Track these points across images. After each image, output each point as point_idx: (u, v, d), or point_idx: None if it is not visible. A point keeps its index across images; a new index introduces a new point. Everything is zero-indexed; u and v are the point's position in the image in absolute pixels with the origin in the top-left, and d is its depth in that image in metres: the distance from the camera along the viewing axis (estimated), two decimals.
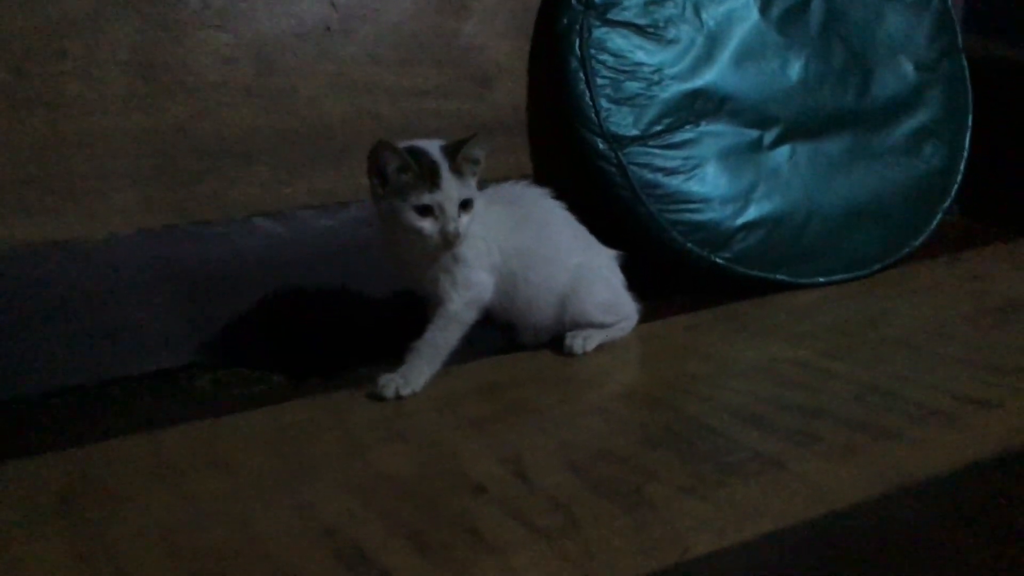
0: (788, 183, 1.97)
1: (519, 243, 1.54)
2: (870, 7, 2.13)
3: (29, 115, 1.53)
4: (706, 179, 1.90)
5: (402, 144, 1.43)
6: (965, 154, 2.16)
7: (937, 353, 1.52)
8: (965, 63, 2.21)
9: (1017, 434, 1.21)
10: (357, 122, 1.76)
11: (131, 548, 1.05)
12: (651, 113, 1.87)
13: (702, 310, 1.80)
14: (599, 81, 1.84)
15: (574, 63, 1.84)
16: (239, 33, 1.66)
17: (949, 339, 1.57)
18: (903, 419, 1.27)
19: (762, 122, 1.98)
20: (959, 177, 2.15)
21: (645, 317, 1.69)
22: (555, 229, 1.58)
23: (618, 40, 1.87)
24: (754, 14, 2.00)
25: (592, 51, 1.84)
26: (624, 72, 1.86)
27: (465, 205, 1.43)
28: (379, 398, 1.44)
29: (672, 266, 1.90)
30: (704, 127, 1.92)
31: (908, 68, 2.15)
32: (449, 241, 1.41)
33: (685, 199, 1.87)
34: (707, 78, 1.94)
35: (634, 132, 1.86)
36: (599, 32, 1.85)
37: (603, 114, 1.83)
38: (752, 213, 1.92)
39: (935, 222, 2.08)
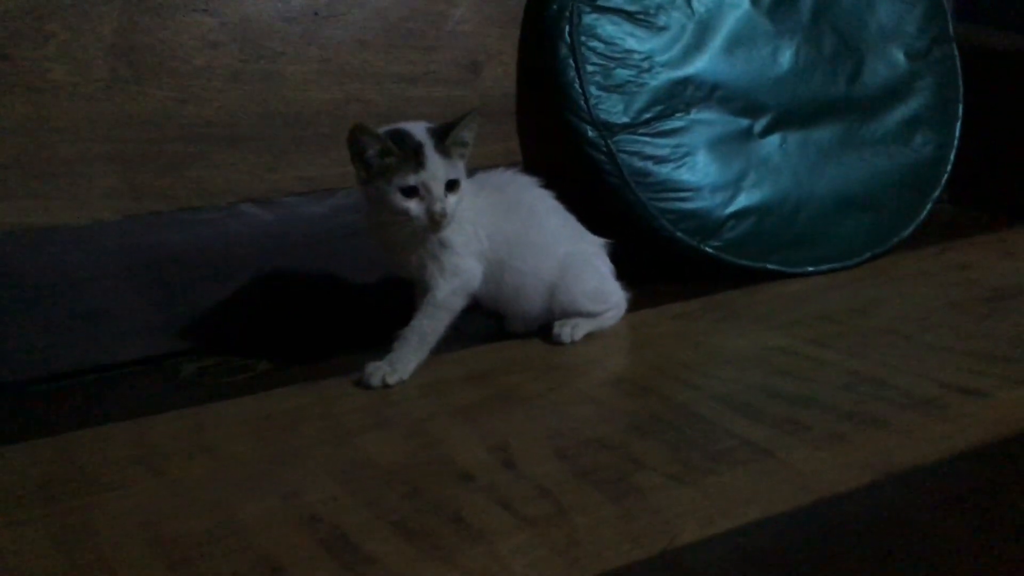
0: (778, 172, 1.97)
1: (507, 231, 1.53)
2: None
3: (12, 99, 1.52)
4: (696, 167, 1.89)
5: (388, 127, 1.42)
6: (956, 143, 2.16)
7: (926, 342, 1.51)
8: (956, 52, 2.21)
9: (1005, 422, 1.21)
10: (345, 107, 1.74)
11: (113, 535, 1.04)
12: (641, 100, 1.87)
13: (691, 299, 1.79)
14: (589, 68, 1.83)
15: (564, 50, 1.83)
16: (225, 17, 1.65)
17: (938, 328, 1.57)
18: (891, 407, 1.27)
19: (752, 110, 1.98)
20: (949, 166, 2.14)
21: (634, 306, 1.68)
22: (544, 217, 1.57)
23: (608, 27, 1.85)
24: (745, 2, 1.99)
25: (582, 38, 1.83)
26: (614, 59, 1.85)
27: (452, 186, 1.42)
28: (366, 386, 1.43)
29: (661, 254, 1.90)
30: (694, 115, 1.91)
31: (899, 57, 2.15)
32: (436, 221, 1.40)
33: (675, 187, 1.86)
34: (697, 66, 1.93)
35: (624, 120, 1.85)
36: (589, 18, 1.84)
37: (593, 101, 1.82)
38: (742, 201, 1.92)
39: (925, 211, 2.08)
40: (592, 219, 1.64)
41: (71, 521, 1.08)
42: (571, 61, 1.82)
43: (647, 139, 1.86)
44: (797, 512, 1.02)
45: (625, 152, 1.83)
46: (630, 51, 1.87)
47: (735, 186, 1.92)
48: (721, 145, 1.93)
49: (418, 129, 1.42)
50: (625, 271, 1.65)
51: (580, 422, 1.28)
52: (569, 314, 1.59)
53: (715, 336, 1.61)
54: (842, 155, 2.05)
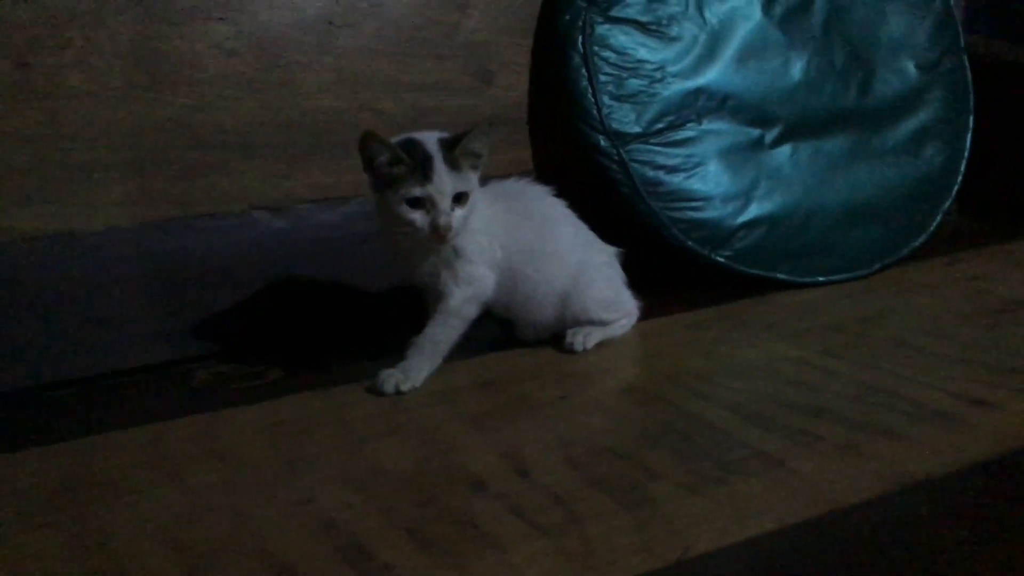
0: (789, 182, 1.97)
1: (520, 239, 1.53)
2: (872, 6, 2.13)
3: (29, 106, 1.53)
4: (707, 177, 1.90)
5: (400, 136, 1.43)
6: (966, 154, 2.16)
7: (936, 353, 1.52)
8: (967, 63, 2.21)
9: (1017, 434, 1.21)
10: (358, 116, 1.75)
11: (129, 540, 1.05)
12: (653, 111, 1.87)
13: (702, 308, 1.79)
14: (601, 78, 1.84)
15: (576, 59, 1.83)
16: (240, 26, 1.66)
17: (948, 339, 1.57)
18: (903, 418, 1.27)
19: (764, 121, 1.98)
20: (959, 178, 2.14)
21: (645, 315, 1.69)
22: (556, 226, 1.58)
23: (621, 37, 1.86)
24: (757, 13, 2.00)
25: (595, 48, 1.84)
26: (626, 69, 1.86)
27: (460, 198, 1.42)
28: (379, 393, 1.44)
29: (673, 263, 1.90)
30: (706, 125, 1.92)
31: (910, 68, 2.15)
32: (440, 235, 1.40)
33: (686, 197, 1.87)
34: (709, 76, 1.94)
35: (636, 129, 1.85)
36: (602, 29, 1.84)
37: (605, 111, 1.83)
38: (753, 212, 1.92)
39: (936, 222, 2.08)
40: (604, 228, 1.65)
41: (87, 526, 1.09)
42: (583, 71, 1.83)
43: (659, 149, 1.86)
44: (811, 523, 1.02)
45: (637, 162, 1.84)
46: (642, 61, 1.88)
47: (746, 196, 1.92)
48: (732, 155, 1.93)
49: (430, 140, 1.42)
50: (636, 280, 1.66)
51: (592, 431, 1.29)
52: (581, 322, 1.59)
53: (726, 345, 1.61)
54: (852, 166, 2.05)
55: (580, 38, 1.83)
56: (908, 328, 1.64)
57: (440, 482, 1.15)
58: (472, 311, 1.50)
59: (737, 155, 1.94)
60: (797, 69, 2.03)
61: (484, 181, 1.50)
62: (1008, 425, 1.24)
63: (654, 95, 1.88)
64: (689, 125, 1.90)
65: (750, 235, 1.90)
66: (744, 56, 1.97)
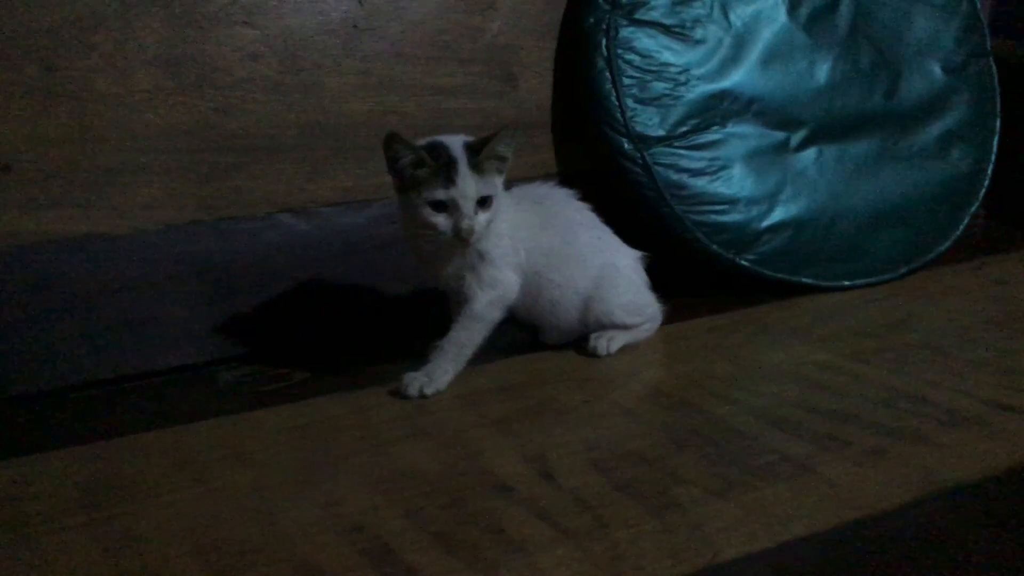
0: (814, 185, 1.96)
1: (544, 243, 1.53)
2: (898, 9, 2.11)
3: (57, 109, 1.54)
4: (732, 180, 1.89)
5: (426, 139, 1.43)
6: (993, 158, 2.14)
7: (964, 358, 1.50)
8: (993, 66, 2.19)
9: None
10: (382, 119, 1.75)
11: (156, 542, 1.05)
12: (677, 113, 1.87)
13: (727, 312, 1.79)
14: (625, 81, 1.83)
15: (600, 62, 1.83)
16: (266, 29, 1.66)
17: (975, 344, 1.56)
18: (932, 424, 1.26)
19: (789, 124, 1.97)
20: (986, 181, 2.12)
21: (669, 318, 1.68)
22: (580, 230, 1.58)
23: (645, 40, 1.86)
24: (782, 15, 1.99)
25: (619, 51, 1.83)
26: (651, 72, 1.86)
27: (484, 202, 1.42)
28: (403, 396, 1.44)
29: (697, 267, 1.89)
30: (730, 128, 1.91)
31: (936, 71, 2.13)
32: (463, 238, 1.40)
33: (711, 200, 1.86)
34: (734, 79, 1.93)
35: (660, 132, 1.85)
36: (626, 32, 1.84)
37: (629, 114, 1.83)
38: (778, 215, 1.91)
39: (962, 226, 2.06)
40: (628, 231, 1.64)
41: (114, 527, 1.09)
42: (608, 74, 1.83)
43: (683, 152, 1.86)
44: (840, 529, 1.02)
45: (661, 165, 1.83)
46: (667, 64, 1.87)
47: (771, 199, 1.91)
48: (757, 158, 1.92)
49: (455, 143, 1.42)
50: (661, 284, 1.65)
51: (617, 435, 1.29)
52: (605, 326, 1.59)
53: (751, 349, 1.61)
54: (878, 169, 2.04)
55: (604, 41, 1.83)
56: (935, 332, 1.63)
57: (465, 485, 1.15)
58: (496, 315, 1.50)
59: (762, 158, 1.93)
60: (823, 72, 2.02)
61: (508, 185, 1.50)
62: None
63: (678, 98, 1.87)
64: (714, 128, 1.89)
65: (775, 239, 1.89)
66: (769, 59, 1.96)
